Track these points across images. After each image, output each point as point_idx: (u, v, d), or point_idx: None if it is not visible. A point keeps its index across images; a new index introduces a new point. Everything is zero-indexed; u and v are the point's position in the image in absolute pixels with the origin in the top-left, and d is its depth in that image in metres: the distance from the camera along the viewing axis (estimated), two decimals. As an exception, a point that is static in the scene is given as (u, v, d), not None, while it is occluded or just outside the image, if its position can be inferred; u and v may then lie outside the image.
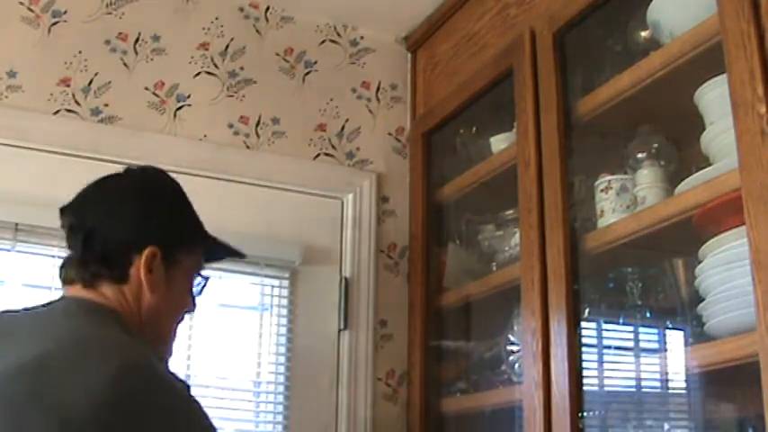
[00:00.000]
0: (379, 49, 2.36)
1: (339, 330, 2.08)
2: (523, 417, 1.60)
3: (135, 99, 2.02)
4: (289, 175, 2.12)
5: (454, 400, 1.99)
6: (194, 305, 1.42)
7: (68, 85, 1.96)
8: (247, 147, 2.11)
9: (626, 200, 1.59)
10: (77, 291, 1.28)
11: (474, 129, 2.12)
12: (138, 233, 1.31)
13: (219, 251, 1.47)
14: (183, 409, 1.13)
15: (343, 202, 2.18)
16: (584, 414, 1.52)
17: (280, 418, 1.99)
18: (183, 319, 1.41)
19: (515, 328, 1.80)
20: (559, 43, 1.70)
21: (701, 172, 1.38)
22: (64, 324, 1.19)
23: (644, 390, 1.63)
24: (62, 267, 1.32)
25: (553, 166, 1.64)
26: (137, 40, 2.06)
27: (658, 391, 1.59)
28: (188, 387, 1.17)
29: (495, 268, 1.94)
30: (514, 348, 1.79)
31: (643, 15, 1.56)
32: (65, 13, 2.00)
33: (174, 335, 1.38)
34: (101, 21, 2.04)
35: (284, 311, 2.06)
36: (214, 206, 1.84)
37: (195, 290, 1.41)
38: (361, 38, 2.34)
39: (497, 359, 1.89)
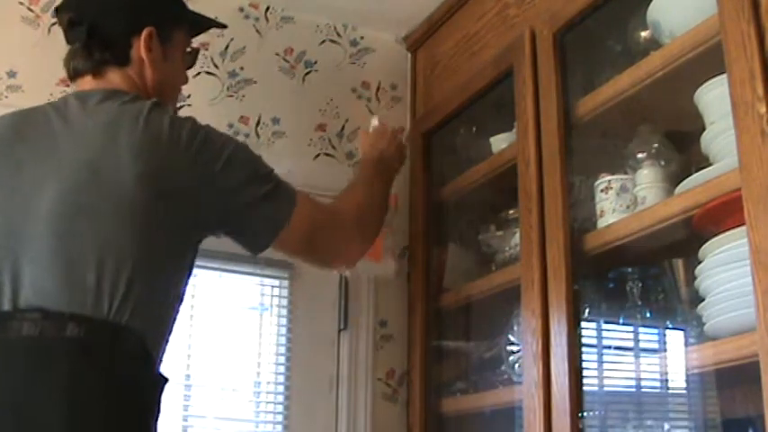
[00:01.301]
0: (379, 49, 2.36)
1: (339, 330, 2.08)
2: (523, 417, 1.60)
3: (135, 99, 2.02)
4: (289, 175, 2.11)
5: (454, 400, 1.99)
6: (186, 78, 1.59)
7: (68, 86, 1.94)
8: (247, 147, 2.10)
9: (626, 200, 1.59)
10: (88, 83, 1.43)
11: (474, 129, 2.12)
12: (133, 17, 1.46)
13: (203, 23, 1.65)
14: (201, 131, 1.35)
15: (343, 202, 2.18)
16: (585, 414, 1.52)
17: (280, 418, 1.99)
18: (179, 93, 1.62)
19: (515, 328, 1.79)
20: (559, 43, 1.70)
21: (701, 172, 1.38)
22: (90, 121, 1.34)
23: (644, 390, 1.63)
24: (67, 62, 1.46)
25: (553, 166, 1.64)
26: (137, 40, 2.05)
27: (658, 391, 1.59)
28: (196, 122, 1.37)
29: (495, 268, 1.94)
30: (514, 348, 1.79)
31: (643, 15, 1.56)
32: (65, 13, 2.00)
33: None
34: (101, 21, 2.03)
35: (284, 311, 2.06)
36: (214, 206, 1.84)
37: (187, 62, 1.58)
38: (361, 38, 2.34)
39: (497, 359, 1.89)
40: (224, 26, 1.73)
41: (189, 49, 1.58)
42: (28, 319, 1.11)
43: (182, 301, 1.33)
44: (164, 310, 1.27)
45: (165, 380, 1.24)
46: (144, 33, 1.44)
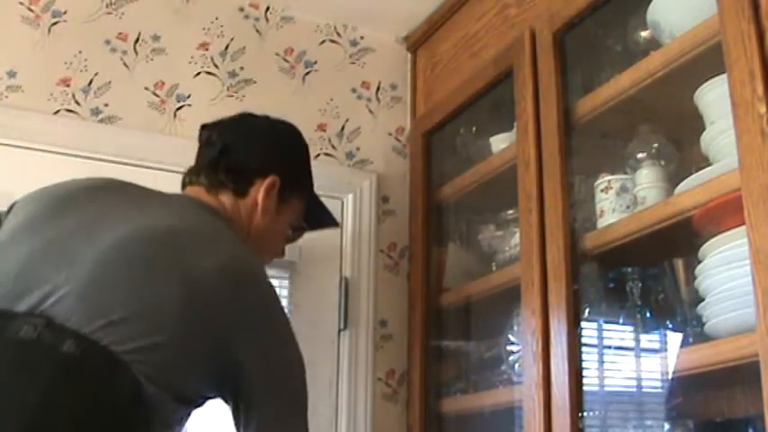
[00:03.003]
0: (379, 49, 2.36)
1: (339, 330, 2.08)
2: (523, 417, 1.60)
3: (135, 99, 2.02)
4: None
5: (454, 400, 1.99)
6: (283, 252, 1.60)
7: (68, 85, 1.96)
8: (247, 147, 2.11)
9: (626, 200, 1.59)
10: (199, 192, 1.43)
11: (474, 129, 2.12)
12: (267, 160, 1.49)
13: (321, 213, 1.66)
14: (279, 312, 1.29)
15: (343, 202, 2.18)
16: (584, 414, 1.52)
17: (280, 418, 1.99)
18: (271, 260, 1.59)
19: (515, 328, 1.80)
20: (559, 43, 1.70)
21: (700, 172, 1.38)
22: (189, 211, 1.35)
23: (644, 390, 1.63)
24: (187, 175, 1.47)
25: (553, 166, 1.64)
26: (137, 40, 2.06)
27: (658, 391, 1.59)
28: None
29: (495, 268, 1.94)
30: (514, 348, 1.80)
31: (643, 15, 1.56)
32: (65, 13, 2.00)
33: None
34: (101, 21, 2.04)
35: (284, 311, 2.06)
36: (214, 206, 1.84)
37: (289, 234, 1.59)
38: (361, 38, 2.34)
39: (497, 359, 1.89)
40: (336, 225, 1.74)
41: (297, 226, 1.59)
42: (30, 323, 1.10)
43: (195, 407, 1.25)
44: (182, 375, 1.18)
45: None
46: (269, 179, 1.46)
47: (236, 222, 1.43)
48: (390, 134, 2.31)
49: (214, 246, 1.25)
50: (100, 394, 1.09)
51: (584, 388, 1.53)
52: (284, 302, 2.05)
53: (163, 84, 2.06)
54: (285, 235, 1.58)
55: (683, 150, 1.61)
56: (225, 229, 1.37)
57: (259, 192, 1.45)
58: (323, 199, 1.92)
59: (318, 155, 2.20)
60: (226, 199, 1.43)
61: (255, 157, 1.49)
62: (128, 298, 1.14)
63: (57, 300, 1.12)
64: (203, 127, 1.52)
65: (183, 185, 1.48)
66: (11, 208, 1.33)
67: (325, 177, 2.15)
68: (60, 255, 1.18)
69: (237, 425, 1.25)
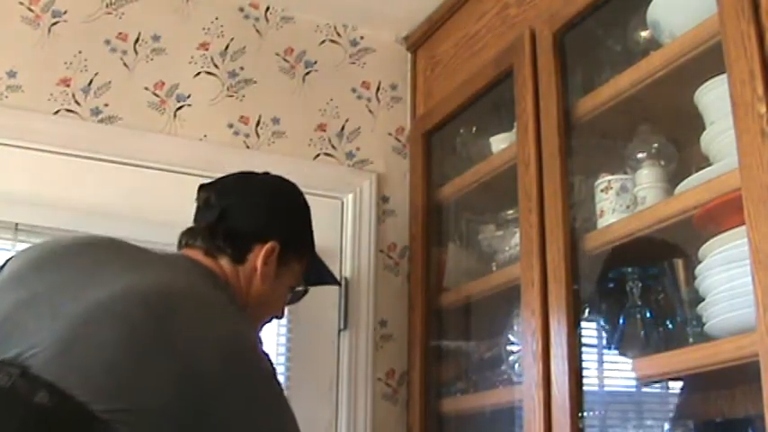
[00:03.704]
0: (379, 49, 2.36)
1: (339, 330, 2.08)
2: (523, 417, 1.60)
3: (135, 99, 2.02)
4: (289, 175, 2.11)
5: (454, 400, 1.99)
6: (283, 313, 1.56)
7: (68, 85, 1.96)
8: (247, 147, 2.11)
9: (626, 200, 1.59)
10: (197, 255, 1.39)
11: (474, 129, 2.12)
12: (266, 226, 1.46)
13: (320, 272, 1.64)
14: (271, 384, 1.21)
15: (343, 202, 2.18)
16: (584, 414, 1.52)
17: (280, 418, 1.99)
18: (270, 321, 1.55)
19: (515, 328, 1.80)
20: (559, 43, 1.70)
21: (701, 172, 1.38)
22: (185, 273, 1.30)
23: (644, 390, 1.63)
24: (184, 235, 1.43)
25: (553, 166, 1.64)
26: (137, 40, 2.06)
27: (658, 391, 1.59)
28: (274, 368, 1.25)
29: (495, 268, 1.94)
30: (514, 348, 1.80)
31: (643, 15, 1.56)
32: (65, 13, 2.00)
33: (260, 331, 1.51)
34: (101, 21, 2.04)
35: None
36: (214, 206, 1.83)
37: (289, 297, 1.56)
38: (361, 38, 2.34)
39: (497, 359, 1.89)
40: (338, 283, 1.73)
41: (298, 288, 1.57)
42: (5, 371, 1.05)
43: None
44: None
45: None
46: (268, 244, 1.43)
47: (233, 287, 1.39)
48: (390, 134, 2.31)
49: (208, 314, 1.19)
50: None
51: (584, 388, 1.53)
52: (284, 302, 2.06)
53: (163, 84, 2.06)
54: (285, 298, 1.55)
55: (683, 150, 1.61)
56: (220, 295, 1.32)
57: (258, 258, 1.42)
58: (323, 199, 1.93)
59: (318, 155, 2.20)
60: (224, 263, 1.40)
61: (254, 222, 1.46)
62: (110, 358, 1.08)
63: (35, 353, 1.08)
64: (201, 188, 1.49)
65: (180, 246, 1.43)
66: (6, 263, 1.29)
67: (325, 177, 2.17)
68: (45, 309, 1.14)
69: None
